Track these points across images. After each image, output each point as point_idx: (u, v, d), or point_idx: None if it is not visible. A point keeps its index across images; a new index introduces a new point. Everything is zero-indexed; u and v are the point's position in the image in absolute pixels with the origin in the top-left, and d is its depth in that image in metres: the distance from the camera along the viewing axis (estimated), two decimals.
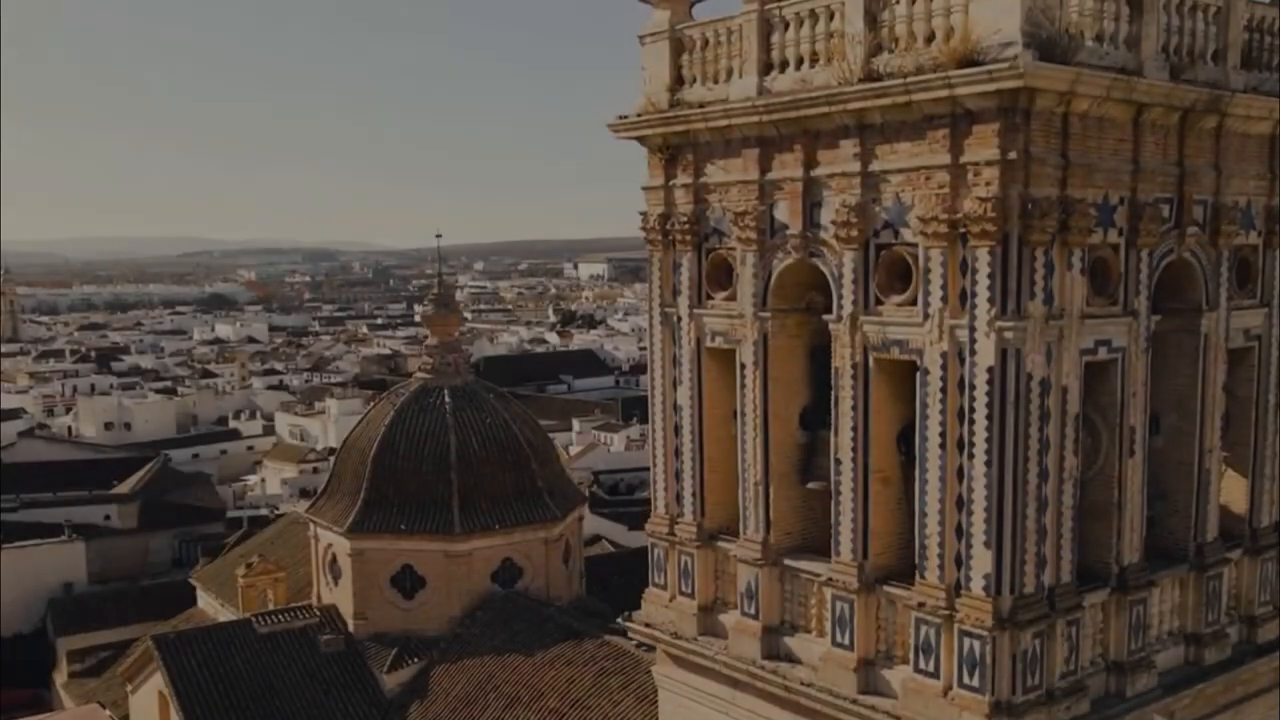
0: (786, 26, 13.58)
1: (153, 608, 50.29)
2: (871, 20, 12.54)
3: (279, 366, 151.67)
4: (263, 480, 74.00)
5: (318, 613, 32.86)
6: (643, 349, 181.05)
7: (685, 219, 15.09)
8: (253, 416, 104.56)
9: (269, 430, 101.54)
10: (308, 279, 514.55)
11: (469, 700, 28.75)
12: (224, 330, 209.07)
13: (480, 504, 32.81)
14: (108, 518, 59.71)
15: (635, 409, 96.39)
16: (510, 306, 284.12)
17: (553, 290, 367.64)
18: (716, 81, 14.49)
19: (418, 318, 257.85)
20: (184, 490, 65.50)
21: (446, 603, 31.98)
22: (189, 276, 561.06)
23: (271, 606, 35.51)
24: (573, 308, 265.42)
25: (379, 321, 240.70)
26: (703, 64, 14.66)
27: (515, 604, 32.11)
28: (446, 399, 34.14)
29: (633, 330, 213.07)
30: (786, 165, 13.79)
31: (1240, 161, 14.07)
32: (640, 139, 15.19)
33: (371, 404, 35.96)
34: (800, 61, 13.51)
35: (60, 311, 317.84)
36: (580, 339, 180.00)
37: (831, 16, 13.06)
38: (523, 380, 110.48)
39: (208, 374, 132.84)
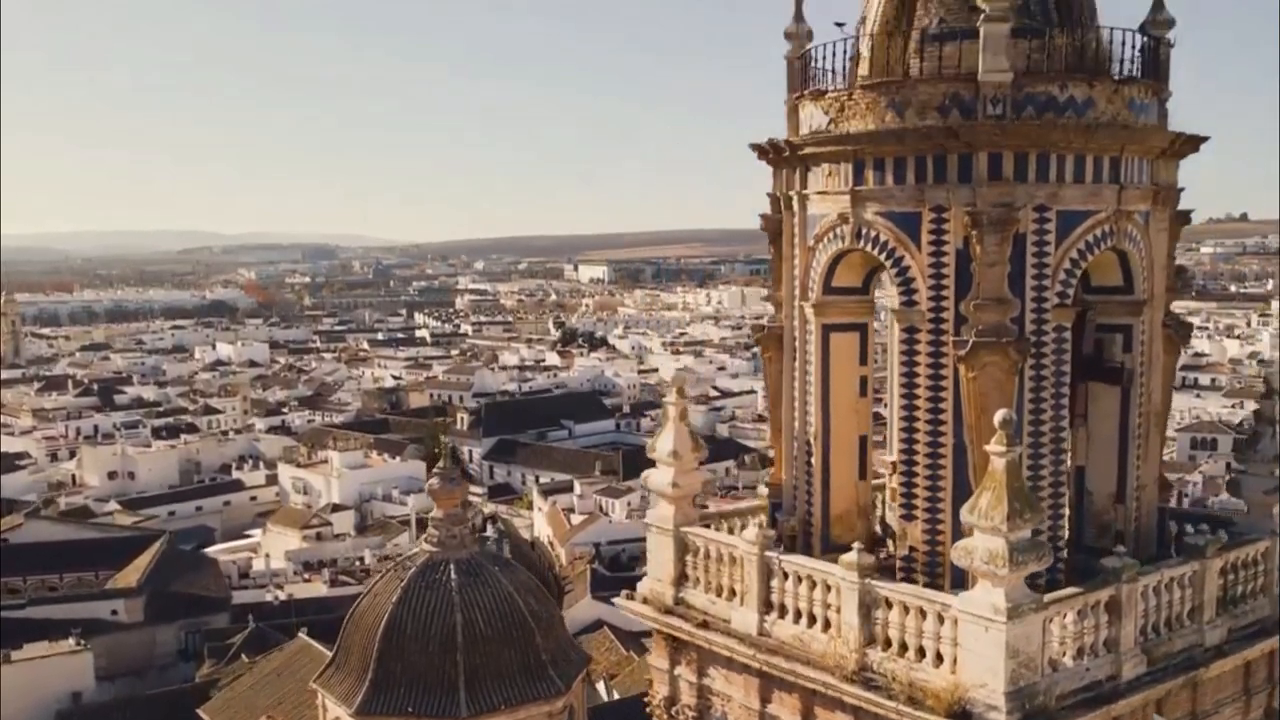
0: (785, 577, 13.95)
1: (162, 717, 51.06)
2: (865, 613, 12.94)
3: (281, 395, 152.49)
4: (266, 556, 74.58)
5: None
6: (643, 371, 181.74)
7: (691, 712, 15.33)
8: (255, 466, 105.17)
9: (272, 479, 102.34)
10: (307, 279, 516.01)
11: None
12: (225, 349, 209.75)
13: (486, 684, 33.13)
14: (114, 612, 60.31)
15: (635, 464, 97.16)
16: (511, 318, 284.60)
17: (553, 296, 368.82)
18: (719, 595, 14.79)
19: (418, 332, 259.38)
20: (189, 576, 65.96)
21: None
22: (189, 276, 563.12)
23: None
24: (573, 321, 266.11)
25: (380, 336, 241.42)
26: (706, 572, 14.97)
27: None
28: (452, 575, 34.42)
29: (633, 350, 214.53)
30: (784, 706, 14.05)
31: (1217, 695, 14.30)
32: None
33: (379, 577, 36.16)
34: (799, 616, 13.86)
35: (62, 321, 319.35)
36: (581, 364, 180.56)
37: (828, 589, 13.43)
38: (524, 427, 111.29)
39: (210, 410, 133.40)
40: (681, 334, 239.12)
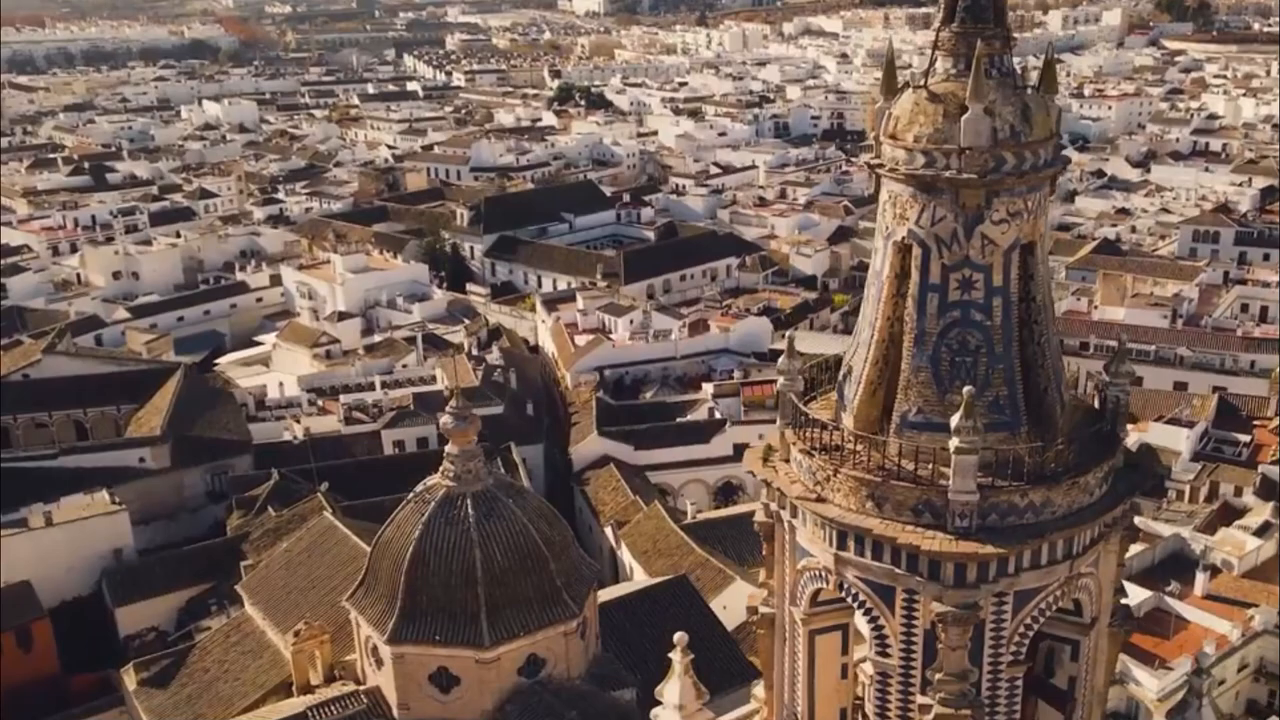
0: None
1: (200, 570, 54.76)
2: None
3: (274, 168, 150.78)
4: (280, 384, 76.54)
5: (364, 699, 36.77)
6: (642, 135, 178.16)
7: None
8: (258, 266, 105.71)
9: (276, 280, 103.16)
10: (288, 8, 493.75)
11: None
12: (212, 109, 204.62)
13: (506, 613, 35.90)
14: (142, 459, 62.96)
15: (636, 266, 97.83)
16: (505, 65, 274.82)
17: (547, 34, 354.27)
18: None
19: (410, 84, 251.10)
20: (210, 414, 68.11)
21: (479, 698, 35.80)
22: (163, 3, 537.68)
23: (319, 665, 39.45)
24: (569, 69, 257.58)
25: (370, 89, 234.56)
26: None
27: (540, 697, 35.97)
28: (469, 510, 36.38)
29: (632, 106, 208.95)
30: None
31: None
32: None
33: (400, 507, 37.86)
34: None
35: (39, 64, 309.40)
36: (579, 128, 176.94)
37: None
38: (524, 221, 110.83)
39: (205, 193, 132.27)
40: (682, 84, 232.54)
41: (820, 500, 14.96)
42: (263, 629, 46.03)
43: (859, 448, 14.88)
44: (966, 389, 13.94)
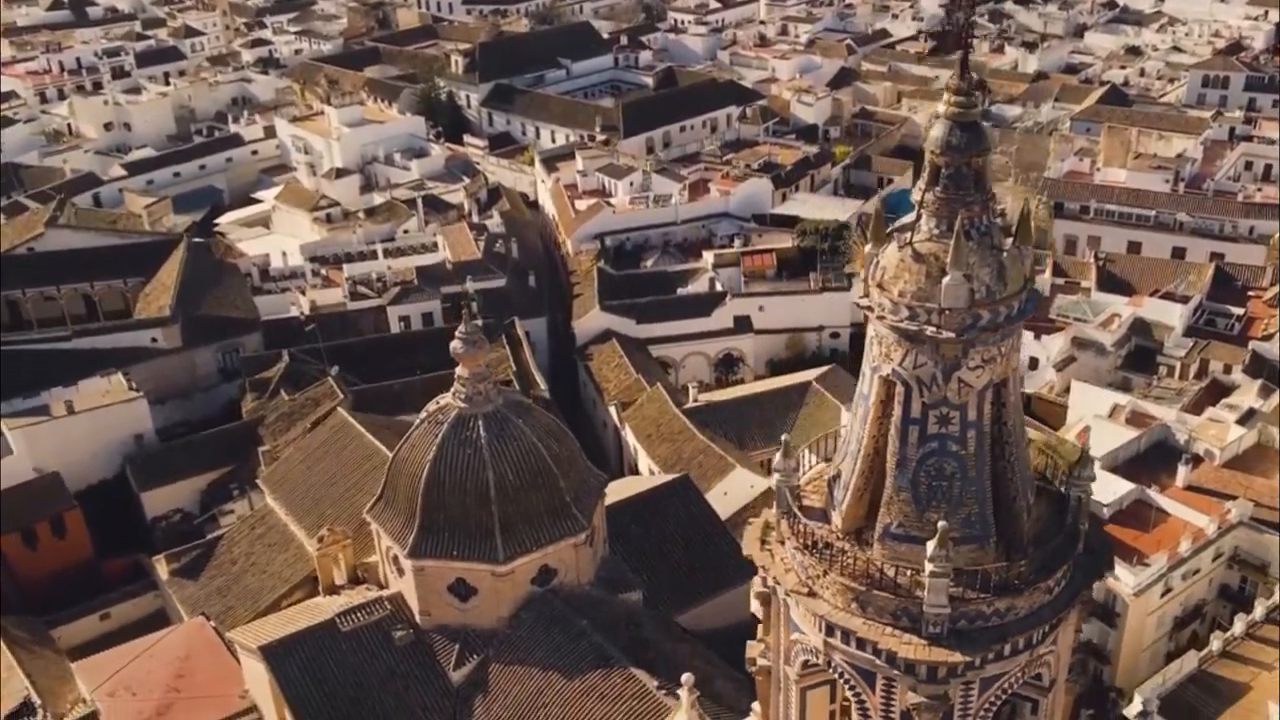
0: None
1: (219, 454, 56.85)
2: None
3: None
4: (284, 254, 76.54)
5: (388, 605, 39.18)
6: None
7: None
8: (251, 118, 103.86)
9: (270, 132, 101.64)
10: None
11: (521, 715, 36.08)
12: None
13: (519, 529, 37.89)
14: (154, 340, 64.01)
15: (635, 119, 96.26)
16: None
17: None
18: None
19: None
20: (217, 287, 68.51)
21: (496, 606, 38.21)
22: None
23: (343, 567, 41.80)
24: None
25: None
26: None
27: (552, 605, 38.40)
28: (481, 431, 37.83)
29: None
30: None
31: None
32: None
33: (415, 426, 39.08)
34: None
35: None
36: None
37: None
38: (520, 69, 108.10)
39: (191, 31, 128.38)
40: None
41: (812, 594, 16.51)
42: (285, 522, 48.27)
43: (846, 547, 16.32)
44: (941, 524, 15.29)
